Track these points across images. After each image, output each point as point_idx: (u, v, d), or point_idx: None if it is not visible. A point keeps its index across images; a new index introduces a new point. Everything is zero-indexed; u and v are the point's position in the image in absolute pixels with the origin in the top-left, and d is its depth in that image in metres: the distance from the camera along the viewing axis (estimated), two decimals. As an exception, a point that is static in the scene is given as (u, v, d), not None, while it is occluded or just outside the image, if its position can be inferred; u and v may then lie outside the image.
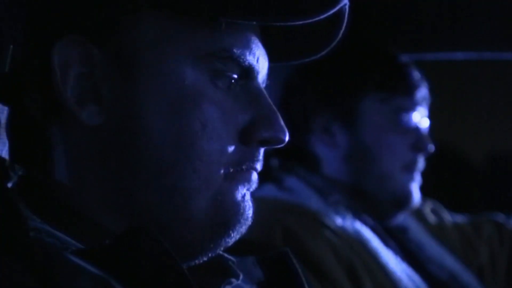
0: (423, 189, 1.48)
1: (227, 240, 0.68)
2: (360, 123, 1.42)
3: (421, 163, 1.43)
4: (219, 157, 0.66)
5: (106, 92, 0.64)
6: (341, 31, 0.72)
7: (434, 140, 1.44)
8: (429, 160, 1.44)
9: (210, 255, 0.69)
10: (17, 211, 0.60)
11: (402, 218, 1.50)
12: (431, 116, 1.47)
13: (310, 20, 0.66)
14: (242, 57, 0.67)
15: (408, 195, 1.42)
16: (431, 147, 1.42)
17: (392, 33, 1.59)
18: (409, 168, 1.41)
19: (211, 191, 0.66)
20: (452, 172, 2.08)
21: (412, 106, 1.41)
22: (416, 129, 1.42)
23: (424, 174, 1.44)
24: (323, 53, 0.75)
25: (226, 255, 0.72)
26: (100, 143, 0.65)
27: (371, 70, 1.42)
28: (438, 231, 1.53)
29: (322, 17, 0.66)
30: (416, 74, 1.44)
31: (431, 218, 1.56)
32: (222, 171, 0.67)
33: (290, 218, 1.31)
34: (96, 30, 0.64)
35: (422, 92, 1.43)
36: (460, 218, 1.59)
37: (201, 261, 0.68)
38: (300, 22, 0.66)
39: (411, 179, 1.42)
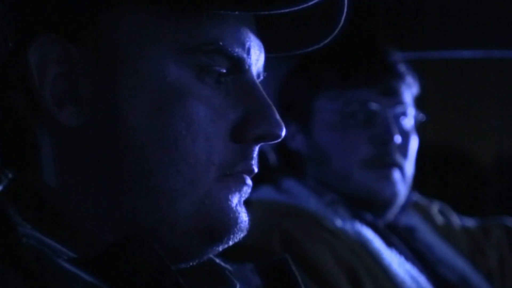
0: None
1: (215, 248, 0.67)
2: (314, 125, 1.41)
3: (392, 155, 1.37)
4: (207, 158, 0.64)
5: (86, 92, 0.63)
6: (341, 19, 0.71)
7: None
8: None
9: (197, 260, 0.68)
10: (7, 217, 0.60)
11: (407, 217, 1.49)
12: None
13: (295, 8, 0.64)
14: (230, 49, 0.65)
15: (373, 192, 1.38)
16: (398, 138, 1.37)
17: (398, 30, 1.59)
18: (373, 164, 1.37)
19: (199, 194, 0.65)
20: (460, 174, 2.07)
21: (372, 97, 1.37)
22: (379, 121, 1.38)
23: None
24: (325, 41, 0.73)
25: (223, 263, 0.71)
26: (81, 145, 0.64)
27: (322, 69, 1.41)
28: (446, 233, 1.52)
29: (307, 4, 0.64)
30: (379, 64, 1.40)
31: (439, 219, 1.55)
32: (212, 173, 0.65)
33: (288, 220, 1.31)
34: (73, 28, 0.63)
35: (390, 81, 1.39)
36: (468, 222, 1.59)
37: (188, 266, 0.68)
38: (286, 10, 0.64)
39: (377, 175, 1.38)
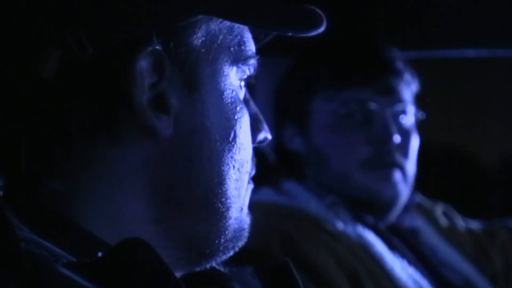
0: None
1: (233, 251, 0.72)
2: (311, 127, 1.42)
3: (392, 155, 1.38)
4: (247, 165, 0.71)
5: (173, 103, 0.66)
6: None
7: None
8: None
9: (211, 264, 0.71)
10: (6, 220, 0.60)
11: (411, 219, 1.49)
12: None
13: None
14: (256, 60, 0.71)
15: (373, 194, 1.39)
16: (397, 138, 1.38)
17: (400, 29, 1.59)
18: (373, 164, 1.38)
19: (241, 201, 0.71)
20: (465, 175, 2.07)
21: (369, 97, 1.38)
22: (378, 120, 1.38)
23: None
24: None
25: (222, 269, 0.73)
26: (162, 155, 0.66)
27: (317, 70, 1.42)
28: (450, 235, 1.52)
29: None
30: (376, 62, 1.41)
31: (443, 221, 1.55)
32: (248, 180, 0.71)
33: (288, 223, 1.31)
34: (166, 39, 0.65)
35: (387, 79, 1.40)
36: (473, 224, 1.59)
37: (202, 268, 0.71)
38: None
39: (377, 176, 1.38)
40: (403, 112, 1.41)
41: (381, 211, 1.41)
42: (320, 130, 1.41)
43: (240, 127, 0.69)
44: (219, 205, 0.68)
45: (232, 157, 0.68)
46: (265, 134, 0.74)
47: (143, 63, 0.64)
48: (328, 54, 1.42)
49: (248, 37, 0.71)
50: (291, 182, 1.43)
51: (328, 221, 1.34)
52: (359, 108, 1.38)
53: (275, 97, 1.48)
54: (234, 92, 0.69)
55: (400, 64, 1.41)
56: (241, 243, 0.72)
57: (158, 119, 0.65)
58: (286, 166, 1.47)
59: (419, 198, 1.55)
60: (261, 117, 0.74)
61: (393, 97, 1.40)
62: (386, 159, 1.38)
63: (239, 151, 0.69)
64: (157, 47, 0.65)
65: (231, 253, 0.72)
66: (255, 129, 0.73)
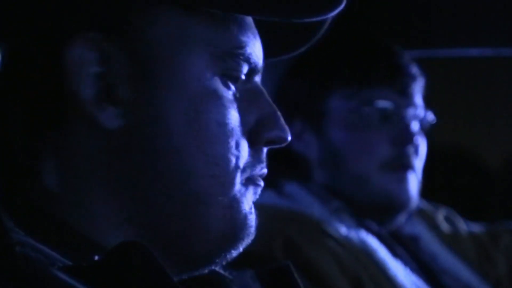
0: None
1: (232, 253, 0.70)
2: (327, 125, 1.41)
3: (410, 157, 1.38)
4: (236, 162, 0.68)
5: (124, 94, 0.65)
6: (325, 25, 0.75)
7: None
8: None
9: (211, 267, 0.70)
10: (0, 223, 0.60)
11: (411, 226, 1.49)
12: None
13: (326, 16, 0.68)
14: (252, 55, 0.69)
15: (391, 196, 1.38)
16: (417, 139, 1.38)
17: (404, 27, 1.59)
18: (392, 166, 1.37)
19: (228, 198, 0.68)
20: (468, 177, 2.08)
21: (389, 97, 1.38)
22: (397, 121, 1.38)
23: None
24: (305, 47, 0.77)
25: (222, 272, 0.72)
26: (115, 148, 0.65)
27: (335, 67, 1.41)
28: (452, 241, 1.52)
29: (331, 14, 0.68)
30: (395, 63, 1.41)
31: (445, 226, 1.55)
32: (238, 177, 0.68)
33: (291, 227, 1.31)
34: (111, 27, 0.65)
35: (406, 80, 1.40)
36: (476, 227, 1.59)
37: (200, 273, 0.70)
38: (318, 19, 0.69)
39: (395, 178, 1.38)
40: (417, 114, 1.42)
41: (391, 215, 1.41)
42: (338, 128, 1.40)
43: (210, 119, 0.66)
44: (189, 200, 0.66)
45: (202, 151, 0.66)
46: (277, 133, 0.71)
47: (78, 51, 0.63)
48: (347, 53, 1.43)
49: (232, 29, 0.68)
50: (293, 184, 1.42)
51: (332, 226, 1.34)
52: (379, 107, 1.38)
53: (280, 93, 1.47)
54: (201, 84, 0.66)
55: (415, 67, 1.42)
56: (240, 244, 0.70)
57: (101, 110, 0.64)
58: (288, 167, 1.46)
59: (421, 203, 1.54)
60: (273, 115, 0.71)
61: (410, 99, 1.40)
62: (405, 161, 1.38)
63: (211, 145, 0.66)
64: (96, 34, 0.64)
65: (229, 255, 0.70)
66: (262, 127, 0.70)
